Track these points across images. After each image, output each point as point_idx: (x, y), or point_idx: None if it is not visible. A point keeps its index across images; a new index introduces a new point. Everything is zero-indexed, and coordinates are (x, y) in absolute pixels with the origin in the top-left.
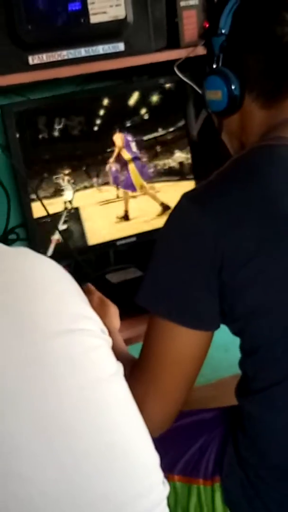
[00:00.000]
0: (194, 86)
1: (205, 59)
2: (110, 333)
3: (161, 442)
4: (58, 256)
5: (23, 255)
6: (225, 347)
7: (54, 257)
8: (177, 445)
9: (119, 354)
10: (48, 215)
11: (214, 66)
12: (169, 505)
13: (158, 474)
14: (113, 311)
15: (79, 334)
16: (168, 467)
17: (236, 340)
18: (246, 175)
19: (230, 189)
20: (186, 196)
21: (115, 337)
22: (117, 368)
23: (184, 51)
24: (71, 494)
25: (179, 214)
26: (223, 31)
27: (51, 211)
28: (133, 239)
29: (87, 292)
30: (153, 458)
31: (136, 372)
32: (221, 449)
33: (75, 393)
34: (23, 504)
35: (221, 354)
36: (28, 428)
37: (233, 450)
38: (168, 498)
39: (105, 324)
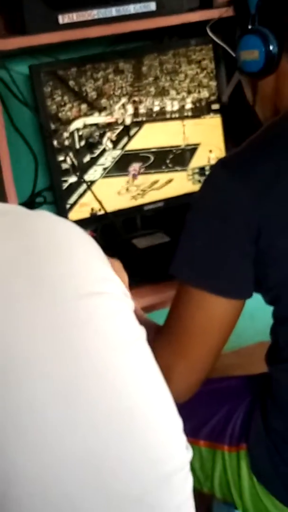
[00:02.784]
0: (227, 48)
1: (237, 20)
2: None
3: (186, 407)
4: (85, 220)
5: (44, 218)
6: (250, 314)
7: (81, 221)
8: (203, 411)
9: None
10: (77, 178)
11: (250, 26)
12: (193, 469)
13: (180, 438)
14: (117, 265)
15: (103, 297)
16: (193, 432)
17: (262, 308)
18: (280, 141)
19: (264, 156)
20: (219, 164)
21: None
22: (141, 333)
23: (217, 11)
24: (92, 460)
25: (214, 181)
26: None
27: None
28: (161, 204)
29: None
30: (176, 422)
31: (163, 340)
32: (247, 416)
33: (97, 357)
34: (45, 472)
35: (246, 322)
36: (47, 394)
37: (260, 418)
38: (193, 463)
39: None
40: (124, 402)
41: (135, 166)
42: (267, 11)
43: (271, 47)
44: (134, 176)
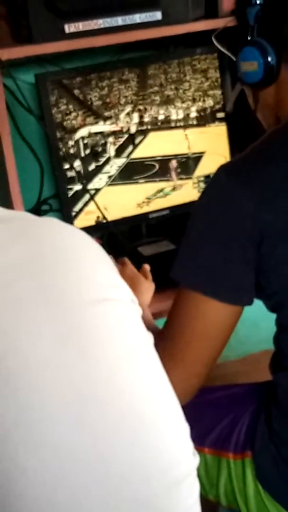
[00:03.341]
0: (232, 57)
1: (238, 31)
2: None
3: (191, 415)
4: (91, 228)
5: (51, 224)
6: (255, 322)
7: (86, 228)
8: (208, 418)
9: (148, 329)
10: (82, 186)
11: (249, 37)
12: (199, 476)
13: (188, 444)
14: (145, 286)
15: (110, 303)
16: (198, 439)
17: (266, 316)
18: (283, 148)
19: (267, 162)
20: (222, 169)
21: (144, 312)
22: (148, 338)
23: (222, 20)
24: (102, 463)
25: (216, 187)
26: (257, 1)
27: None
28: (166, 212)
29: (121, 264)
30: (184, 428)
31: (161, 343)
32: (252, 423)
33: (105, 363)
34: (51, 474)
35: (251, 330)
36: (59, 398)
37: (265, 425)
38: (198, 470)
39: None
40: (133, 408)
41: (172, 163)
42: (266, 22)
43: (269, 59)
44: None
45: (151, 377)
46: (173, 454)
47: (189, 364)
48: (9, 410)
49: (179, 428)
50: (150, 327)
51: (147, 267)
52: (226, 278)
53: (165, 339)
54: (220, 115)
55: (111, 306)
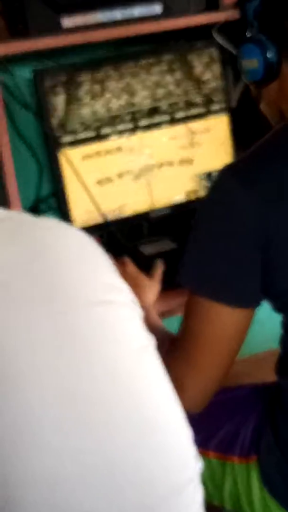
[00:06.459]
0: (233, 51)
1: (241, 27)
2: (143, 308)
3: (195, 418)
4: (91, 227)
5: (49, 224)
6: (260, 322)
7: (86, 227)
8: (212, 421)
9: (154, 329)
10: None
11: (249, 33)
12: (203, 481)
13: (191, 449)
14: (148, 285)
15: (110, 305)
16: (202, 443)
17: (271, 314)
18: None
19: (272, 161)
20: (227, 170)
21: (149, 312)
22: (149, 340)
23: (223, 14)
24: (106, 465)
25: (220, 188)
26: None
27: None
28: (167, 210)
29: (122, 264)
30: (186, 432)
31: (176, 350)
32: (257, 427)
33: (105, 365)
34: (53, 477)
35: (256, 329)
36: (60, 399)
37: (270, 429)
38: (203, 474)
39: (138, 297)
40: (137, 410)
41: None
42: (265, 17)
43: (269, 56)
44: None
45: (153, 380)
46: (178, 458)
47: (205, 369)
48: (7, 411)
49: (182, 432)
50: (159, 329)
51: (158, 268)
52: (234, 283)
53: (180, 344)
54: (221, 107)
55: (111, 308)
